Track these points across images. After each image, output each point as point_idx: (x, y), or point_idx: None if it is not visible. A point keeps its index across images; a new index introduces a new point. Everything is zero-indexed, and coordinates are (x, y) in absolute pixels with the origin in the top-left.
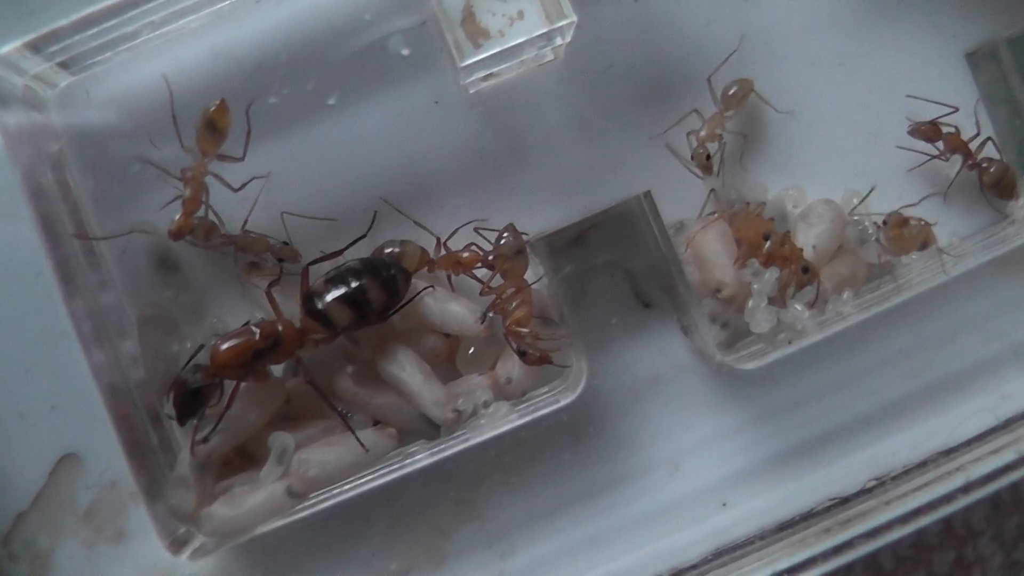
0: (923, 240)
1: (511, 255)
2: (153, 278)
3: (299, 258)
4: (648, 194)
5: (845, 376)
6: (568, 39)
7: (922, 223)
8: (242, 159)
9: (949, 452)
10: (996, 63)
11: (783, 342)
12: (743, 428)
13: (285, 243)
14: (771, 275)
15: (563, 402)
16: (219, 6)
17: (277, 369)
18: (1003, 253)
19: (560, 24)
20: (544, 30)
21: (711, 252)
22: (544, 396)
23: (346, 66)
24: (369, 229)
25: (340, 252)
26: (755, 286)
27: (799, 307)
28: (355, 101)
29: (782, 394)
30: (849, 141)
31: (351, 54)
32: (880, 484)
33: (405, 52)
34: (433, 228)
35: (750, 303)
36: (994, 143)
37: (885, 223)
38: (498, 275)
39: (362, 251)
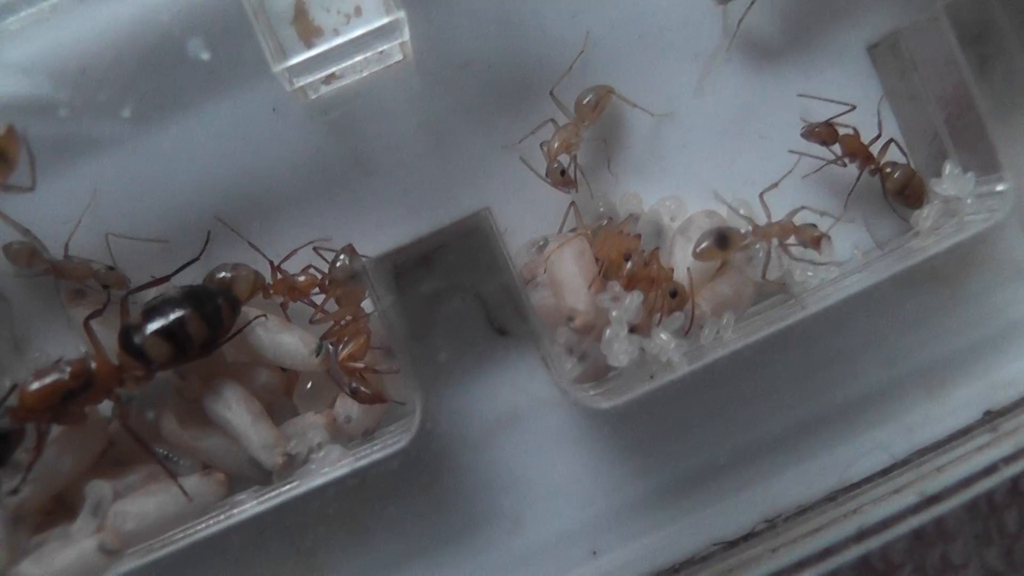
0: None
1: (345, 279)
2: None
3: (127, 284)
4: (488, 210)
5: (728, 405)
6: (406, 36)
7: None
8: (32, 188)
9: (847, 490)
10: (899, 56)
11: (646, 377)
12: (613, 466)
13: (110, 268)
14: (633, 300)
15: (397, 445)
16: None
17: (105, 407)
18: (907, 267)
19: (391, 19)
20: (375, 25)
21: (565, 274)
22: (382, 438)
23: (142, 74)
24: (202, 251)
25: (168, 278)
26: (613, 313)
27: (664, 336)
28: (160, 111)
29: (656, 427)
30: (735, 145)
31: (146, 60)
32: (771, 526)
33: (205, 56)
34: (273, 248)
35: (607, 332)
36: (898, 145)
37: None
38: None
39: (195, 275)
